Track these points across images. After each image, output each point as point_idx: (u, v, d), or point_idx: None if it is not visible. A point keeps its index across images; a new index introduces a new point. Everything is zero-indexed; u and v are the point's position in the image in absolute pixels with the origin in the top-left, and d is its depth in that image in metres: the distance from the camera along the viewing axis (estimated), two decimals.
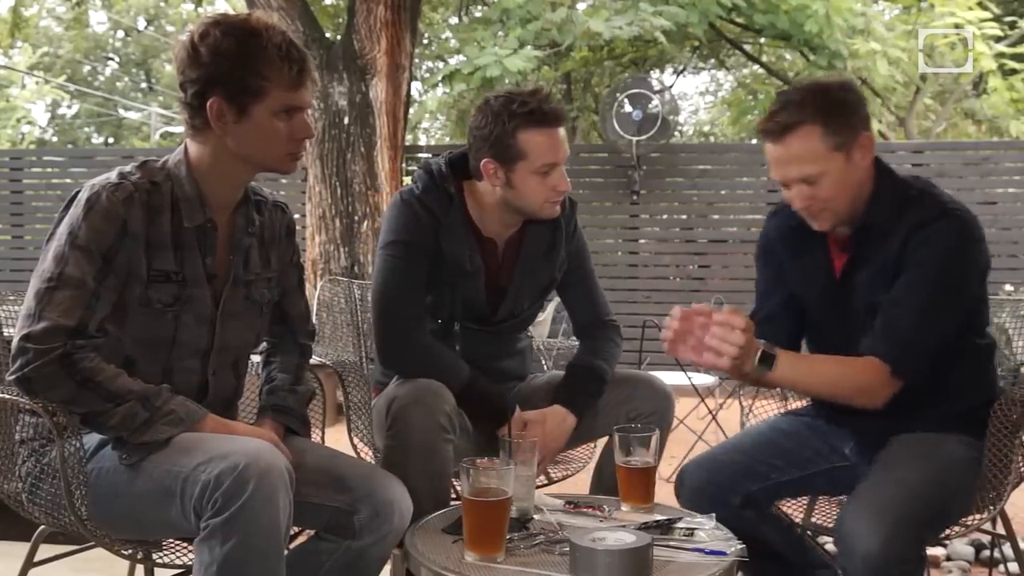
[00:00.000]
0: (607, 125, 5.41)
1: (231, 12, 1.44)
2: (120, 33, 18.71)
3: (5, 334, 1.58)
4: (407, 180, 5.21)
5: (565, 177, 1.72)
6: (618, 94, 5.41)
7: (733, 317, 1.43)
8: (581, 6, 7.69)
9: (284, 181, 6.12)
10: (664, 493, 1.61)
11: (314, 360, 1.72)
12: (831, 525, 1.62)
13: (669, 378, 3.55)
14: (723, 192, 5.77)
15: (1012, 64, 7.26)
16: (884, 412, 1.51)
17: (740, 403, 1.99)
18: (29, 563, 1.54)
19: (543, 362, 2.23)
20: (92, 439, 1.39)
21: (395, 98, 4.93)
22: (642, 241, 5.70)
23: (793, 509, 1.79)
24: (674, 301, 5.54)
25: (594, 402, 1.80)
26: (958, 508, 1.52)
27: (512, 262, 1.82)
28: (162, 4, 17.25)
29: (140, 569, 1.60)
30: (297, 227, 1.64)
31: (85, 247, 1.31)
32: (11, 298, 1.70)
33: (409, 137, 8.43)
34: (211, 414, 1.39)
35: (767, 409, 1.97)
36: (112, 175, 1.37)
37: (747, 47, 9.62)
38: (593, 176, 5.86)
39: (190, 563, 1.35)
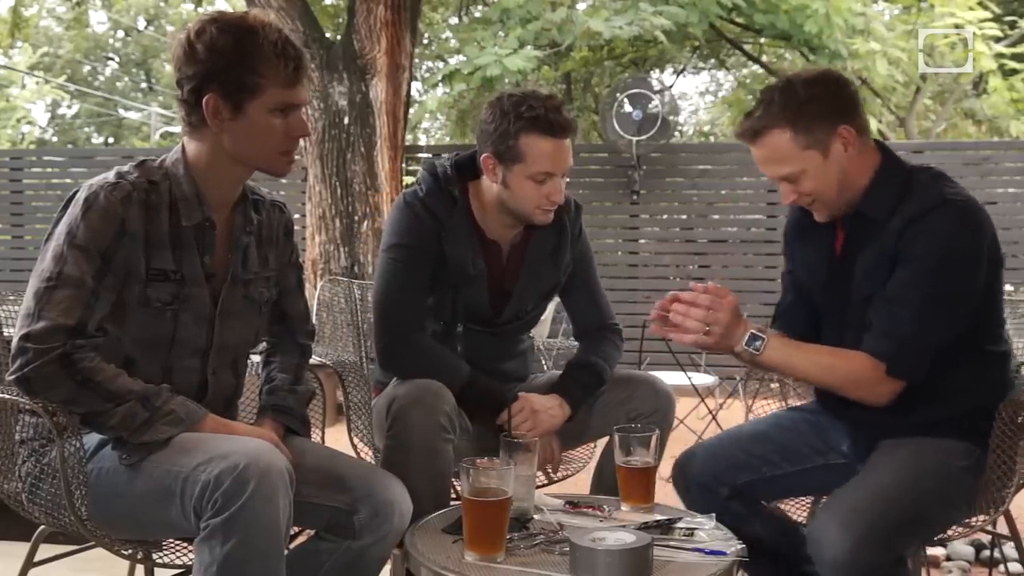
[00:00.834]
0: (607, 125, 5.41)
1: (228, 11, 1.44)
2: (120, 33, 18.70)
3: (5, 334, 1.58)
4: (407, 180, 5.21)
5: (561, 189, 1.71)
6: (618, 94, 5.41)
7: (699, 295, 1.43)
8: (581, 6, 7.70)
9: (284, 181, 6.12)
10: (664, 493, 1.61)
11: (314, 360, 1.72)
12: None
13: (669, 378, 3.55)
14: (723, 192, 5.77)
15: (1012, 64, 7.26)
16: (881, 410, 1.49)
17: (745, 403, 1.99)
18: (29, 563, 1.54)
19: (543, 362, 2.23)
20: (92, 439, 1.38)
21: (395, 98, 4.93)
22: (642, 241, 5.70)
23: (797, 508, 1.78)
24: None
25: (590, 397, 1.80)
26: (939, 516, 1.48)
27: (517, 265, 1.81)
28: (162, 4, 17.24)
29: (140, 569, 1.60)
30: (297, 227, 1.65)
31: (84, 246, 1.31)
32: (11, 298, 1.70)
33: (409, 137, 8.43)
34: (211, 414, 1.39)
35: (768, 409, 1.97)
36: (110, 175, 1.37)
37: (747, 47, 9.61)
38: (593, 176, 5.86)
39: (190, 563, 1.35)
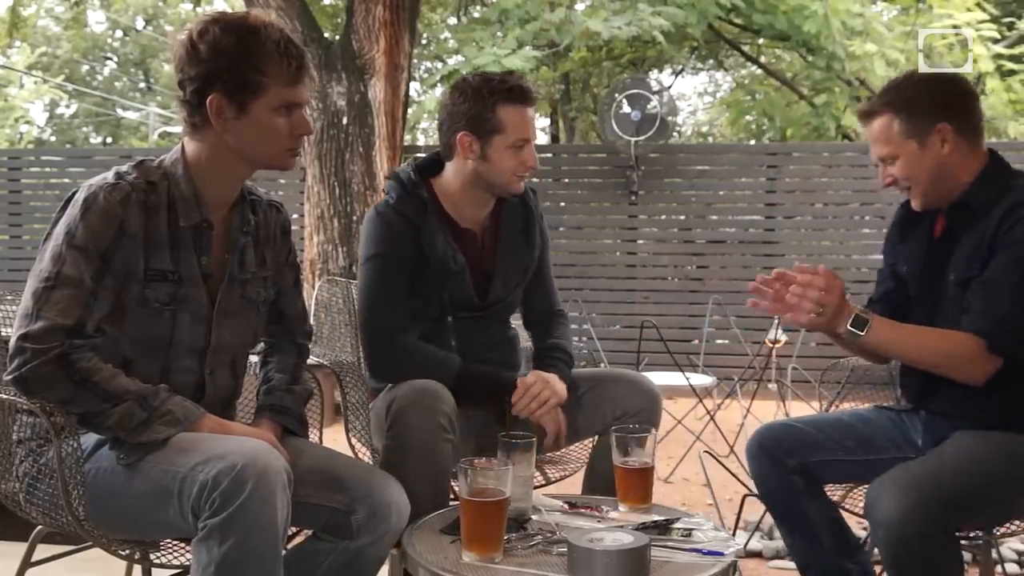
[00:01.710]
0: (606, 126, 5.41)
1: (229, 11, 1.45)
2: (118, 33, 18.68)
3: (2, 334, 1.58)
4: None
5: (535, 153, 1.82)
6: (617, 94, 5.41)
7: (814, 277, 1.51)
8: (580, 6, 7.70)
9: (283, 181, 6.12)
10: (660, 493, 1.61)
11: (312, 360, 1.72)
12: None
13: (667, 378, 3.56)
14: (721, 193, 5.77)
15: (1010, 65, 7.26)
16: (958, 401, 1.56)
17: (742, 404, 1.99)
18: (27, 563, 1.54)
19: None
20: (89, 439, 1.38)
21: (394, 98, 4.92)
22: (640, 241, 5.70)
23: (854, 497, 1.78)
24: (672, 301, 5.61)
25: (569, 371, 1.87)
26: (1003, 500, 1.52)
27: (493, 247, 1.88)
28: (160, 4, 17.22)
29: (138, 569, 1.60)
30: (295, 227, 1.65)
31: (82, 247, 1.31)
32: (9, 298, 1.70)
33: (408, 137, 8.44)
34: (209, 414, 1.39)
35: (766, 411, 1.97)
36: (109, 175, 1.37)
37: (745, 48, 9.62)
38: (592, 176, 5.85)
39: (187, 563, 1.35)
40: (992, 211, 1.56)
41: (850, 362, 1.95)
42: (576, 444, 1.99)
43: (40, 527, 1.48)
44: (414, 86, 9.45)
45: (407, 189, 1.83)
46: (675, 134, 6.25)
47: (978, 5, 6.69)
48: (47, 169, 6.72)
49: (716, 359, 5.05)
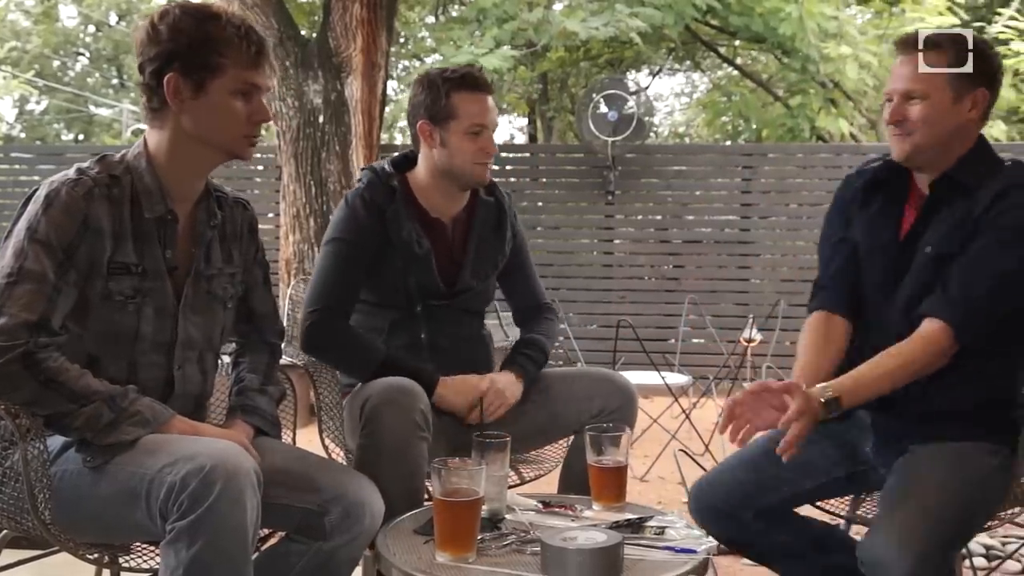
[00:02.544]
0: (583, 126, 5.42)
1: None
2: (91, 28, 18.40)
3: None
4: None
5: (494, 141, 1.86)
6: (594, 95, 5.42)
7: (770, 395, 1.42)
8: (557, 6, 7.70)
9: (258, 180, 6.07)
10: (636, 492, 1.61)
11: (285, 360, 1.71)
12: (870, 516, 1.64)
13: (643, 378, 3.57)
14: (697, 193, 5.81)
15: None
16: (903, 408, 1.51)
17: (718, 403, 1.99)
18: None
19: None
20: (56, 441, 1.36)
21: (371, 96, 4.90)
22: (617, 241, 5.72)
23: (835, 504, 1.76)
24: (648, 301, 5.64)
25: (537, 367, 1.90)
26: (982, 519, 1.51)
27: (464, 239, 1.92)
28: None
29: (106, 573, 1.58)
30: (270, 226, 1.65)
31: (45, 241, 1.30)
32: None
33: (385, 136, 8.39)
34: (178, 416, 1.37)
35: None
36: (70, 171, 1.36)
37: (722, 49, 9.68)
38: (569, 176, 5.86)
39: (157, 567, 1.33)
40: (980, 189, 1.52)
41: None
42: (552, 443, 1.99)
43: (5, 531, 1.45)
44: (392, 85, 9.42)
45: (379, 177, 1.88)
46: (652, 134, 6.27)
47: (949, 9, 6.80)
48: (16, 166, 6.60)
49: (692, 358, 5.08)
